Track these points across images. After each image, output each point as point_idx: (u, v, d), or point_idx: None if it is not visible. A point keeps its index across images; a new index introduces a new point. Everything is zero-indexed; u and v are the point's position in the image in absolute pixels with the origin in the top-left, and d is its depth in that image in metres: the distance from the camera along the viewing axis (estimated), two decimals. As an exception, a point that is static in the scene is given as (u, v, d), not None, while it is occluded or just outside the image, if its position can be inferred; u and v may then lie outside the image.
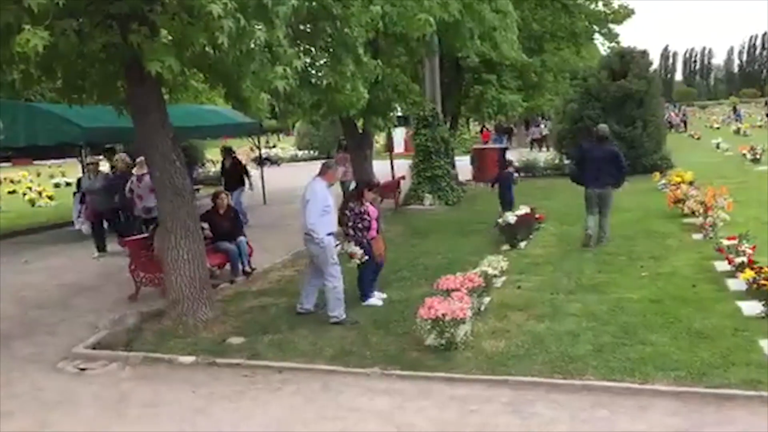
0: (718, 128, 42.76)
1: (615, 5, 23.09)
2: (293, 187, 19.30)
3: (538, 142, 34.73)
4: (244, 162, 16.21)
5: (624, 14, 23.11)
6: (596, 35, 24.05)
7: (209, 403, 5.43)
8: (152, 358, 6.39)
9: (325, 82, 7.13)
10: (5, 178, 28.36)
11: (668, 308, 6.91)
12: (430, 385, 5.48)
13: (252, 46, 5.77)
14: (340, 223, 7.48)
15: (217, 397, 5.53)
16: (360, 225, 7.50)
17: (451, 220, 13.64)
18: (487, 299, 7.39)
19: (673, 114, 48.48)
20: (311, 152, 36.33)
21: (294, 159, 36.07)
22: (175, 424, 5.11)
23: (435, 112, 16.28)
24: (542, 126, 36.46)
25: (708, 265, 8.54)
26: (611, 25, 23.74)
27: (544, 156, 24.90)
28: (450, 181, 16.37)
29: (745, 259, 7.66)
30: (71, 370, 6.32)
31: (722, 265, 8.22)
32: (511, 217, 10.51)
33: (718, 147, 27.07)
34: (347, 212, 7.51)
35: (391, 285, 8.33)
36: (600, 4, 22.81)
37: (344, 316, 7.05)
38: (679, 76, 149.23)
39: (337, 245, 7.31)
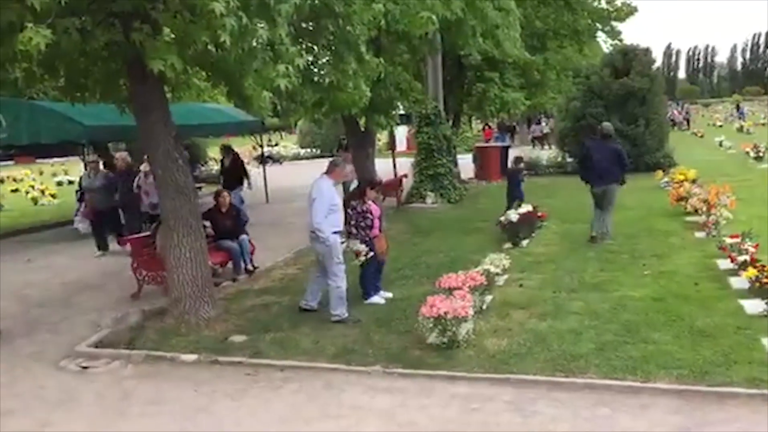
0: (721, 126, 42.63)
1: (618, 3, 23.01)
2: (295, 185, 19.36)
3: (540, 140, 34.82)
4: (246, 160, 16.19)
5: (627, 12, 23.04)
6: (599, 33, 23.97)
7: (211, 401, 5.44)
8: (154, 356, 6.40)
9: (327, 80, 7.12)
10: (8, 177, 28.42)
11: (670, 306, 6.90)
12: (431, 383, 5.48)
13: (254, 44, 5.77)
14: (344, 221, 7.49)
15: (219, 395, 5.54)
16: (362, 223, 7.51)
17: (453, 218, 13.64)
18: (489, 297, 7.39)
19: (676, 112, 48.34)
20: (313, 150, 36.35)
21: (296, 157, 36.07)
22: (177, 422, 5.12)
23: (437, 110, 16.28)
24: (543, 124, 36.50)
25: (710, 263, 8.52)
26: (614, 23, 23.68)
27: (547, 154, 24.87)
28: (452, 180, 16.37)
29: (747, 257, 7.64)
30: (73, 368, 6.33)
31: (725, 264, 8.21)
32: (513, 215, 10.51)
33: (721, 145, 27.04)
34: (350, 211, 7.51)
35: (394, 283, 8.33)
36: (603, 1, 22.73)
37: (346, 315, 7.05)
38: (682, 74, 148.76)
39: (342, 243, 7.32)
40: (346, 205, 7.59)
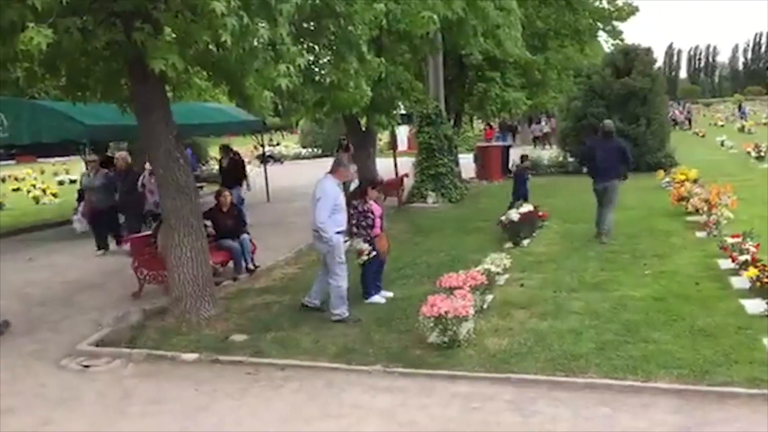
0: (722, 126, 42.60)
1: (619, 2, 22.96)
2: (296, 185, 19.40)
3: (540, 140, 34.88)
4: (247, 160, 16.16)
5: (628, 11, 22.99)
6: (600, 32, 23.92)
7: (212, 400, 5.45)
8: (155, 355, 6.41)
9: (328, 79, 7.12)
10: (9, 176, 28.48)
11: (671, 306, 6.90)
12: (432, 382, 5.48)
13: (255, 43, 5.77)
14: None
15: (220, 394, 5.54)
16: (364, 223, 7.51)
17: (454, 217, 13.64)
18: (489, 297, 7.39)
19: (677, 111, 48.33)
20: (315, 150, 36.35)
21: (297, 157, 36.10)
22: (177, 421, 5.12)
23: (438, 110, 16.27)
24: (543, 123, 36.53)
25: (711, 263, 8.52)
26: (615, 23, 23.61)
27: (548, 154, 24.87)
28: (453, 179, 16.36)
29: (748, 257, 7.65)
30: (74, 367, 6.34)
31: (726, 263, 8.21)
32: (514, 215, 10.52)
33: (722, 145, 27.03)
34: (351, 210, 7.51)
35: (394, 283, 8.33)
36: (604, 1, 22.66)
37: (347, 314, 7.05)
38: (683, 74, 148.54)
39: (346, 241, 7.32)
40: (347, 204, 7.59)
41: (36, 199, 21.39)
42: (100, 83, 7.50)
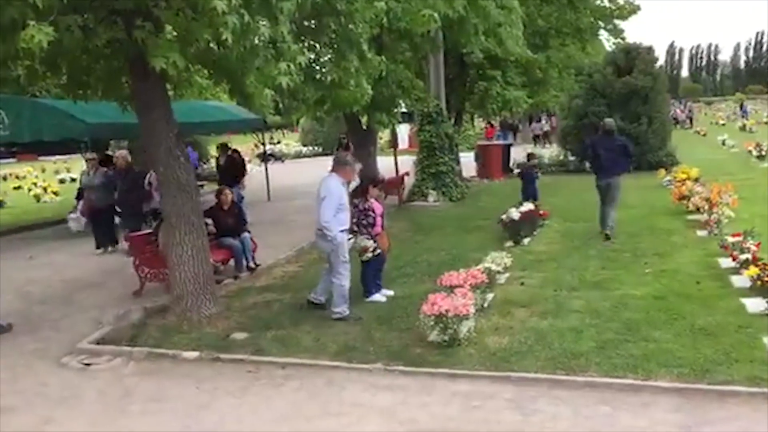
0: (723, 125, 42.54)
1: (620, 1, 22.95)
2: (297, 183, 19.42)
3: (540, 138, 34.91)
4: (248, 158, 16.13)
5: (629, 10, 22.96)
6: (601, 31, 23.88)
7: (213, 398, 5.45)
8: (156, 353, 6.41)
9: (329, 78, 7.12)
10: (10, 174, 28.49)
11: (672, 305, 6.89)
12: (432, 381, 5.48)
13: (256, 42, 5.77)
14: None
15: (221, 392, 5.54)
16: (365, 221, 7.52)
17: (454, 216, 13.64)
18: (490, 296, 7.38)
19: (678, 110, 48.28)
20: (316, 148, 36.36)
21: (298, 155, 36.12)
22: (178, 419, 5.13)
23: (439, 108, 16.26)
24: (543, 122, 36.54)
25: (712, 261, 8.52)
26: (616, 21, 23.58)
27: (548, 152, 24.86)
28: (454, 178, 16.36)
29: (749, 255, 7.64)
30: (75, 365, 6.35)
31: (726, 262, 8.20)
32: (515, 213, 10.52)
33: (723, 143, 27.00)
34: (352, 208, 7.51)
35: (395, 281, 8.33)
36: (605, 0, 22.70)
37: (347, 313, 7.05)
38: (685, 73, 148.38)
39: (350, 239, 7.31)
40: (348, 203, 7.59)
41: (37, 198, 21.42)
42: (101, 81, 7.50)
